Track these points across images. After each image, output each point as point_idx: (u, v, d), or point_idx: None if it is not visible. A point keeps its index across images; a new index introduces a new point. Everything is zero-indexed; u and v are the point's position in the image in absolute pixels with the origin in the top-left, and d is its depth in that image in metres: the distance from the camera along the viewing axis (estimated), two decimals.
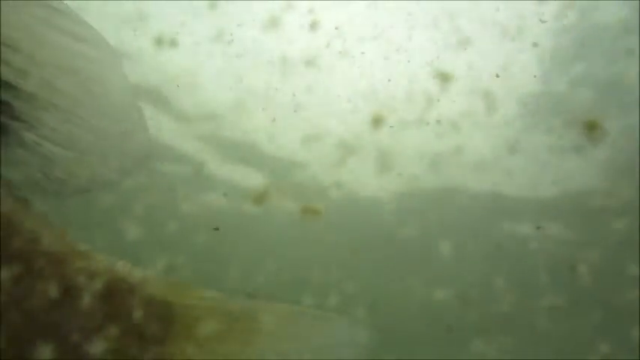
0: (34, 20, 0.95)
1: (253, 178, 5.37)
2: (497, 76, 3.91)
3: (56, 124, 0.98)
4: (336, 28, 4.15)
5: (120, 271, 0.98)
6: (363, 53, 4.28)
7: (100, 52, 0.99)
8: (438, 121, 4.63)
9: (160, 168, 5.28)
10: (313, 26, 4.11)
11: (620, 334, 4.92)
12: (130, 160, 1.04)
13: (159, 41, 4.09)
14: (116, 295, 0.97)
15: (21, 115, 0.96)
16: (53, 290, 0.93)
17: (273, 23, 4.00)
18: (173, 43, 4.17)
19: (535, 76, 4.46)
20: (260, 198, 4.89)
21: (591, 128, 3.36)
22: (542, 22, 4.02)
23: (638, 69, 4.13)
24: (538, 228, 5.11)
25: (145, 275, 0.98)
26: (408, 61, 4.25)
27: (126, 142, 1.03)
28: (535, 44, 4.23)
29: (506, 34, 4.12)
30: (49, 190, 0.99)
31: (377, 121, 4.62)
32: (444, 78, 4.21)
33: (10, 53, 0.94)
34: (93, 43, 0.98)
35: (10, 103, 0.95)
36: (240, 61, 4.43)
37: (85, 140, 0.99)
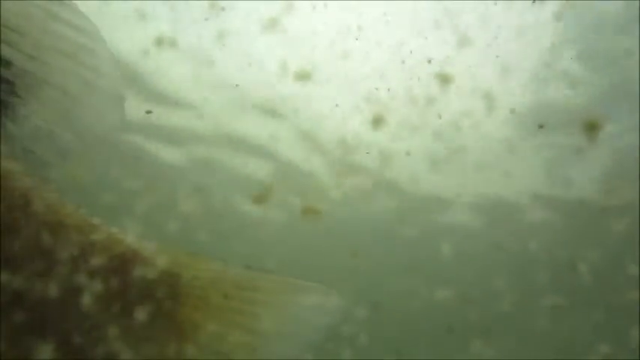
0: (37, 9, 1.04)
1: (253, 179, 5.38)
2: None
3: (48, 101, 1.05)
4: (337, 29, 4.15)
5: (132, 244, 1.01)
6: (363, 53, 4.28)
7: (93, 43, 1.06)
8: (438, 122, 4.63)
9: (159, 168, 5.29)
10: (313, 26, 4.11)
11: (620, 334, 4.92)
12: (99, 136, 1.12)
13: (159, 41, 4.09)
14: (127, 267, 1.01)
15: (20, 91, 1.02)
16: (69, 263, 0.96)
17: (273, 23, 4.00)
18: (173, 43, 4.17)
19: (535, 76, 4.46)
20: (260, 198, 4.89)
21: (591, 128, 3.36)
22: (542, 21, 4.03)
23: (638, 69, 4.13)
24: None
25: (154, 248, 1.02)
26: (409, 62, 4.25)
27: (100, 122, 1.11)
28: (535, 44, 4.24)
29: (506, 34, 4.13)
30: (35, 164, 1.05)
31: (377, 122, 4.62)
32: (444, 78, 4.22)
33: (15, 37, 1.02)
34: (88, 33, 1.05)
35: (12, 81, 1.01)
36: (239, 60, 4.43)
37: (68, 117, 1.07)
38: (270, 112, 4.83)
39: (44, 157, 1.08)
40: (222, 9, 3.96)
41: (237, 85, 4.65)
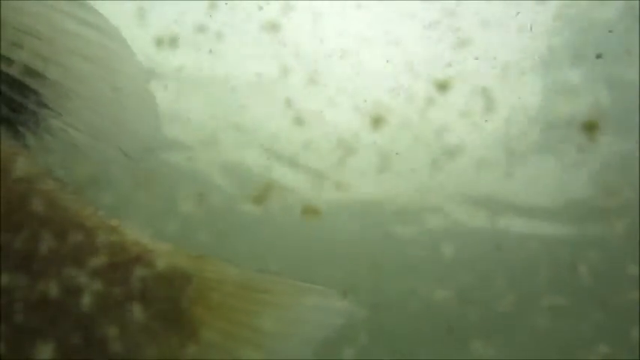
0: (53, 10, 1.02)
1: (253, 179, 5.38)
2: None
3: (79, 111, 1.05)
4: (336, 29, 4.15)
5: (148, 245, 1.02)
6: (362, 53, 4.28)
7: (114, 42, 1.06)
8: (438, 122, 4.63)
9: (158, 168, 5.28)
10: (313, 27, 4.11)
11: (620, 334, 4.92)
12: (140, 144, 1.12)
13: (159, 41, 4.09)
14: (133, 266, 1.01)
15: (48, 102, 1.02)
16: (92, 261, 0.98)
17: (273, 24, 4.00)
18: (173, 43, 4.17)
19: (535, 77, 4.46)
20: (260, 198, 4.89)
21: (591, 128, 3.36)
22: (543, 21, 4.03)
23: (638, 69, 4.13)
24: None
25: (168, 248, 1.04)
26: (408, 61, 4.25)
27: (137, 128, 1.10)
28: (535, 44, 4.23)
29: (506, 34, 4.12)
30: (72, 174, 1.06)
31: (377, 122, 4.62)
32: (444, 78, 4.22)
33: (33, 41, 1.01)
34: (108, 33, 1.05)
35: (38, 91, 1.00)
36: (240, 61, 4.43)
37: (103, 127, 1.07)
38: (270, 112, 4.83)
39: (87, 170, 1.09)
40: (222, 8, 3.96)
41: (237, 85, 4.65)
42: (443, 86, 4.24)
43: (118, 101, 1.06)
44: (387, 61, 4.29)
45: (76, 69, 1.02)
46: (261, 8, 3.96)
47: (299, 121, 4.81)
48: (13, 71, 1.00)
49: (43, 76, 1.02)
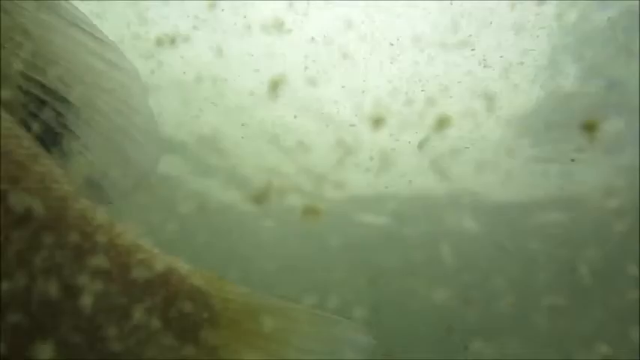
0: (80, 46, 1.15)
1: (253, 178, 5.38)
2: None
3: (95, 137, 1.13)
4: (337, 30, 4.16)
5: (172, 263, 1.05)
6: (362, 54, 4.29)
7: (130, 80, 1.15)
8: (438, 122, 4.63)
9: (158, 170, 5.28)
10: (314, 28, 4.11)
11: (620, 334, 4.92)
12: (140, 174, 1.20)
13: (159, 41, 4.10)
14: (170, 286, 1.03)
15: (70, 125, 1.10)
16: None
17: (273, 24, 4.00)
18: (173, 43, 4.17)
19: (534, 77, 4.46)
20: (260, 198, 4.89)
21: (591, 128, 3.37)
22: (542, 24, 4.03)
23: (638, 69, 4.14)
24: None
25: (190, 268, 1.06)
26: (409, 62, 4.26)
27: (139, 158, 1.19)
28: (535, 44, 4.24)
29: (506, 34, 4.13)
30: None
31: (377, 122, 4.62)
32: (444, 79, 4.22)
33: (60, 70, 1.12)
34: (126, 71, 1.15)
35: (63, 113, 1.08)
36: (240, 60, 4.44)
37: (115, 154, 1.15)
38: (270, 111, 4.83)
39: (97, 197, 1.14)
40: (222, 8, 3.96)
41: (237, 85, 4.65)
42: (443, 87, 4.25)
43: (126, 133, 1.14)
44: (387, 62, 4.30)
45: (96, 99, 1.10)
46: (261, 8, 3.96)
47: (299, 121, 4.82)
48: (45, 95, 1.07)
49: (68, 101, 1.09)
